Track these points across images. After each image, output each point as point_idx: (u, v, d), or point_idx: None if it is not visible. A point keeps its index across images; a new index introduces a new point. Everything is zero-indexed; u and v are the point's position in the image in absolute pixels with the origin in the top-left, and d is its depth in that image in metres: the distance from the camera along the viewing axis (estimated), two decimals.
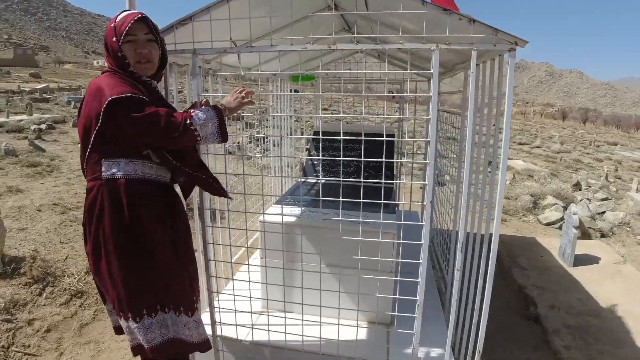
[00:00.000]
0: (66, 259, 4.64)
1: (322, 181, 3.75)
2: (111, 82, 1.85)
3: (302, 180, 3.99)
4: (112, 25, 1.94)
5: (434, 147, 1.95)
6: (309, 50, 1.91)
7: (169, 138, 1.88)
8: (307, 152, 4.30)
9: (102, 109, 1.78)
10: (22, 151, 10.18)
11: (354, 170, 3.97)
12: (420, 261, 2.10)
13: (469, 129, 2.00)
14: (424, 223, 2.07)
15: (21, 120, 15.36)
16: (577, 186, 11.89)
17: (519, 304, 4.54)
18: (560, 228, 7.72)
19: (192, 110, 1.97)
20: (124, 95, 1.79)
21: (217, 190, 2.19)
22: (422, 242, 2.09)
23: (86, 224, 2.01)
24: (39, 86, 36.53)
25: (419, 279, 2.13)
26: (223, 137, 2.01)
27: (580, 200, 9.74)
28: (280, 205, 3.09)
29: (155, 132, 1.85)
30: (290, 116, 5.24)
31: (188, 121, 1.89)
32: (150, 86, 2.04)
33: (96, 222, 1.94)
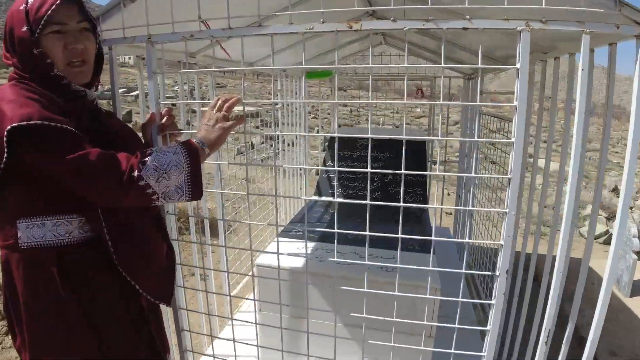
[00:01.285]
0: None
1: (337, 204, 3.04)
2: (15, 99, 1.17)
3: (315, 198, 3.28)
4: (21, 7, 1.23)
5: (518, 187, 1.22)
6: (315, 32, 1.20)
7: (103, 197, 1.22)
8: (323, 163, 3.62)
9: (4, 141, 1.13)
10: None
11: (378, 186, 3.24)
12: None
13: (575, 146, 1.27)
14: (489, 328, 1.34)
15: None
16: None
17: (573, 347, 3.77)
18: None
19: (147, 153, 1.26)
20: (31, 122, 1.11)
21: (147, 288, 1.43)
22: (483, 353, 1.36)
23: (9, 309, 1.34)
24: None
25: None
26: (194, 193, 1.31)
27: None
28: (284, 239, 2.39)
29: (81, 187, 1.20)
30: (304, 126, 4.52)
31: (136, 173, 1.20)
32: (84, 99, 1.35)
33: (24, 310, 1.28)
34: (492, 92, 3.62)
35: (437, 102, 1.18)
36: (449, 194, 7.94)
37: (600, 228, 7.07)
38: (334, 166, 3.53)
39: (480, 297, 3.48)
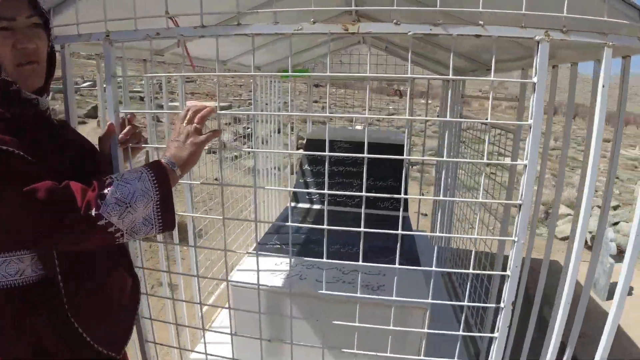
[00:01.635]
0: None
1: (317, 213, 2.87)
2: None
3: (292, 205, 3.11)
4: None
5: (527, 217, 1.09)
6: (305, 34, 1.02)
7: (54, 243, 1.04)
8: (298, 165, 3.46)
9: None
10: None
11: (358, 190, 3.10)
12: None
13: (592, 164, 1.15)
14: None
15: None
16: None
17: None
18: None
19: (106, 183, 1.07)
20: None
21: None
22: None
23: None
24: None
25: None
26: (165, 223, 1.14)
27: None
28: (260, 253, 2.22)
29: (32, 227, 1.00)
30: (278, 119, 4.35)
31: (93, 211, 1.01)
32: (36, 108, 1.14)
33: None
34: (470, 95, 3.51)
35: (447, 119, 1.03)
36: (423, 194, 7.88)
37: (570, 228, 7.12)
38: (310, 169, 3.40)
39: (457, 290, 3.41)
